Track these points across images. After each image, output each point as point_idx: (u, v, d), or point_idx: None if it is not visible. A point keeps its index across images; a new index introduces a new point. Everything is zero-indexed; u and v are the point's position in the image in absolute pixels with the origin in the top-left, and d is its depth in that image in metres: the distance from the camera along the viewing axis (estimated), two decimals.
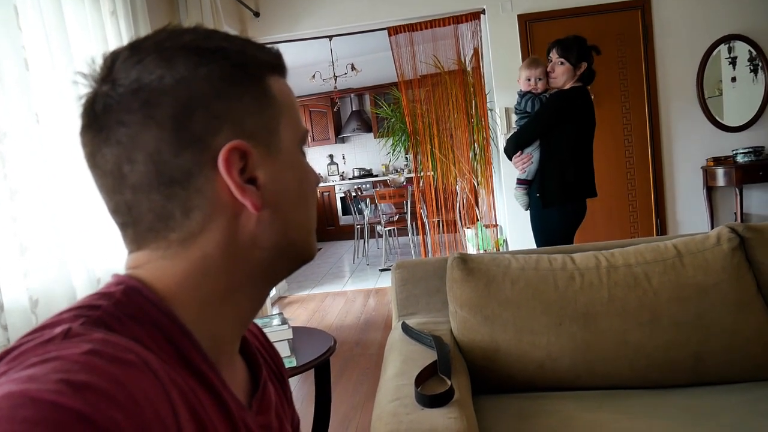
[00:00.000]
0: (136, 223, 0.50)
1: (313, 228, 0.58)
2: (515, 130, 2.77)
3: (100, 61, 0.50)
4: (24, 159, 1.74)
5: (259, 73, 0.52)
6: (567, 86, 2.60)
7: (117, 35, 2.37)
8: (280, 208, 0.52)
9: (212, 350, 0.50)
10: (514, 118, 2.87)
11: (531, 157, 2.65)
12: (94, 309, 0.45)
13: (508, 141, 2.76)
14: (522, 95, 2.70)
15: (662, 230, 4.37)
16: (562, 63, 2.56)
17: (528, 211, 2.78)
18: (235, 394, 0.52)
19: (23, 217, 1.71)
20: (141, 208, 0.49)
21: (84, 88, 0.50)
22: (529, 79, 2.66)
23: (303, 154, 0.57)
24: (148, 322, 0.46)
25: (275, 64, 0.55)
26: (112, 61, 0.49)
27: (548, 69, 2.62)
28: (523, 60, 3.76)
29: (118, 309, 0.46)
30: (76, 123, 0.50)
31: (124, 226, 0.51)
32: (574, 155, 2.58)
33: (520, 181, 2.72)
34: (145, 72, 0.47)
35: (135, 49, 0.49)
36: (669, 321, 1.55)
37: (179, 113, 0.47)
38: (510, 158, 2.78)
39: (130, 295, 0.47)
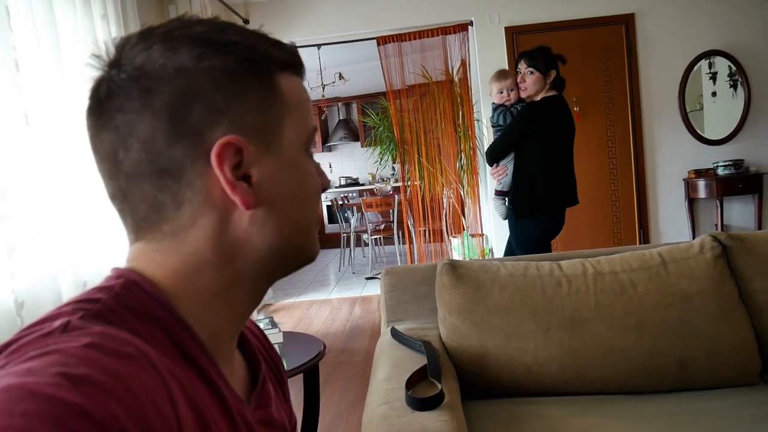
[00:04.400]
0: (132, 211, 0.50)
1: (312, 230, 0.57)
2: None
3: (112, 46, 0.50)
4: (13, 159, 1.73)
5: (268, 70, 0.51)
6: (540, 96, 2.62)
7: (107, 39, 2.36)
8: (275, 208, 0.51)
9: (210, 344, 0.50)
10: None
11: (506, 169, 2.70)
12: (93, 302, 0.45)
13: (486, 154, 2.84)
14: (495, 108, 2.74)
15: (645, 240, 4.43)
16: (531, 72, 2.58)
17: (506, 220, 2.84)
18: (234, 388, 0.52)
19: (12, 218, 1.69)
20: (135, 197, 0.49)
21: (95, 71, 0.49)
22: (501, 92, 2.68)
23: (309, 156, 0.56)
24: (146, 316, 0.46)
25: (288, 61, 0.54)
26: (122, 46, 0.49)
27: (519, 80, 2.65)
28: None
29: (118, 302, 0.45)
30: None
31: (122, 213, 0.51)
32: (546, 166, 2.59)
33: (497, 192, 2.78)
34: (149, 59, 0.47)
35: (144, 36, 0.49)
36: (654, 327, 1.58)
37: (177, 104, 0.47)
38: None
39: (129, 288, 0.47)
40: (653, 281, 1.63)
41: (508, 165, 2.70)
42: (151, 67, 0.47)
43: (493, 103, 2.76)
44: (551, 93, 2.61)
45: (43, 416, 0.32)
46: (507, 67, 4.25)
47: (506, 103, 2.69)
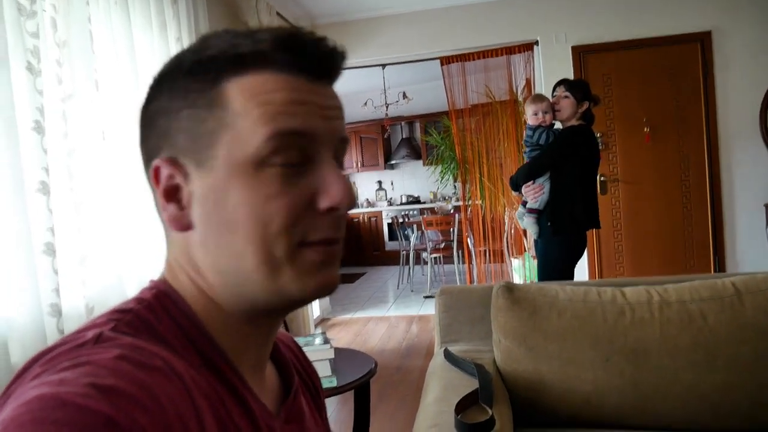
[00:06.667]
0: None
1: (259, 268, 0.48)
2: (527, 162, 2.86)
3: None
4: (89, 174, 1.84)
5: (212, 78, 0.48)
6: (571, 122, 2.72)
7: None
8: (210, 231, 0.48)
9: (233, 356, 0.51)
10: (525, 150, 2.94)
11: (543, 187, 2.73)
12: (126, 312, 0.47)
13: (519, 171, 2.85)
14: (534, 129, 2.78)
15: (720, 269, 4.18)
16: (566, 97, 2.70)
17: (537, 238, 2.84)
18: (262, 400, 0.52)
19: (85, 229, 1.80)
20: None
21: None
22: (535, 114, 2.75)
23: (274, 171, 0.47)
24: (174, 326, 0.48)
25: (252, 58, 0.47)
26: None
27: (554, 101, 2.74)
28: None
29: (149, 313, 0.48)
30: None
31: None
32: (582, 187, 2.68)
33: (531, 210, 2.78)
34: None
35: None
36: (725, 362, 1.48)
37: (143, 133, 0.52)
38: (517, 188, 2.85)
39: (160, 299, 0.50)
40: (726, 313, 1.52)
41: (545, 183, 2.73)
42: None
43: (529, 125, 2.82)
44: (581, 123, 2.71)
45: (72, 424, 0.34)
46: None
47: (543, 125, 2.74)
